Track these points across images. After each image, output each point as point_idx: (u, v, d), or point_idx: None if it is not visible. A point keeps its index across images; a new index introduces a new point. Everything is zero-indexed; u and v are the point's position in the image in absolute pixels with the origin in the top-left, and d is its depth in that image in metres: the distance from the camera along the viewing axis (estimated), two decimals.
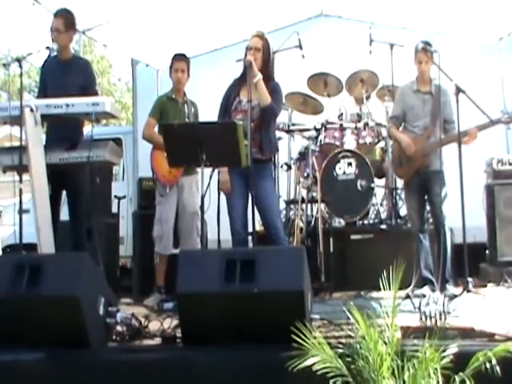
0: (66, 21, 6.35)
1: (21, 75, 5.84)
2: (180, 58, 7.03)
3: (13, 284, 4.43)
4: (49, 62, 6.55)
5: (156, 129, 7.01)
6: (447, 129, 6.73)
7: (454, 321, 4.57)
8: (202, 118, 7.12)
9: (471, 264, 6.26)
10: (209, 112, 6.92)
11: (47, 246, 5.54)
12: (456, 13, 8.99)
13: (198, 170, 6.50)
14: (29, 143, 5.52)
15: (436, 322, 4.42)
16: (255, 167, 5.83)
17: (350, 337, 4.05)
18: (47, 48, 5.96)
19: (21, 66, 5.72)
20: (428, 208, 6.88)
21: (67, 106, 5.69)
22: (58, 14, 6.40)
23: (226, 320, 4.33)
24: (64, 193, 6.40)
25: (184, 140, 5.48)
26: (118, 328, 4.75)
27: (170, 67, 7.06)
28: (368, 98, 8.52)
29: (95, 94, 6.36)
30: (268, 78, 6.15)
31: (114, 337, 4.72)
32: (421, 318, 4.51)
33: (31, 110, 5.55)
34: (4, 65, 6.14)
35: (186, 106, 7.05)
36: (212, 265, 4.37)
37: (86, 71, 6.54)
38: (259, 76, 5.93)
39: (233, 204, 6.16)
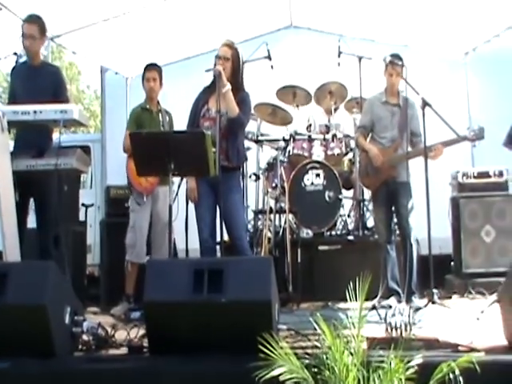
0: (39, 27, 6.33)
1: None
2: (151, 67, 7.03)
3: None
4: (18, 68, 6.49)
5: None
6: (414, 141, 6.80)
7: (419, 332, 4.60)
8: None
9: (437, 275, 6.30)
10: (180, 121, 6.93)
11: (13, 253, 5.47)
12: (423, 27, 9.10)
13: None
14: None
15: (401, 332, 4.45)
16: (223, 176, 5.83)
17: (316, 347, 4.06)
18: (15, 54, 5.93)
19: None
20: (395, 219, 6.93)
21: (35, 112, 5.64)
22: (32, 20, 6.34)
23: (193, 330, 4.31)
24: (31, 200, 6.35)
25: (152, 149, 5.46)
26: (84, 337, 4.71)
27: (143, 77, 7.05)
28: (336, 109, 8.57)
29: (66, 100, 6.31)
30: (237, 87, 6.17)
31: (80, 346, 4.68)
32: (386, 329, 4.53)
33: None
34: None
35: (160, 115, 7.04)
36: (180, 274, 4.35)
37: (57, 77, 6.51)
38: (228, 86, 5.94)
39: (200, 213, 6.15)
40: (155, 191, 6.89)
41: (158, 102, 7.14)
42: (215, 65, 6.09)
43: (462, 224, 7.69)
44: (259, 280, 4.29)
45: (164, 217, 6.77)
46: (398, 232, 6.99)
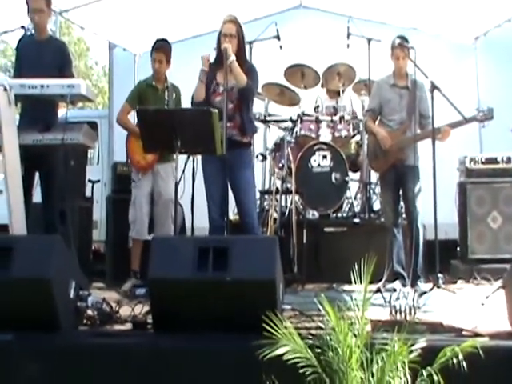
0: (47, 1, 6.30)
1: None
2: (158, 47, 6.95)
3: None
4: (24, 42, 6.46)
5: (132, 116, 6.99)
6: (423, 124, 6.77)
7: (424, 316, 4.61)
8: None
9: (442, 260, 6.30)
10: (186, 99, 6.91)
11: (19, 227, 5.47)
12: (433, 10, 9.04)
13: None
14: (1, 123, 5.43)
15: (406, 316, 4.45)
16: (235, 152, 5.87)
17: (320, 328, 4.06)
18: (22, 27, 5.90)
19: None
20: (402, 203, 6.91)
21: (42, 86, 5.62)
22: None
23: (197, 307, 4.31)
24: (37, 174, 6.34)
25: (159, 126, 5.47)
26: (89, 312, 4.72)
27: (151, 54, 7.00)
28: (344, 91, 8.54)
29: (71, 75, 6.29)
30: (243, 60, 6.16)
31: (84, 321, 4.70)
32: (391, 312, 4.54)
33: (4, 90, 5.46)
34: None
35: (166, 92, 6.98)
36: (185, 252, 4.35)
37: (63, 52, 6.48)
38: (233, 57, 5.90)
39: (210, 191, 6.13)
40: (155, 168, 6.87)
41: (166, 78, 7.08)
42: (219, 42, 6.06)
43: (468, 209, 7.68)
44: (264, 259, 4.28)
45: (165, 194, 6.79)
46: (404, 215, 6.97)
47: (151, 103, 6.84)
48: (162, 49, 6.95)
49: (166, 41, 7.04)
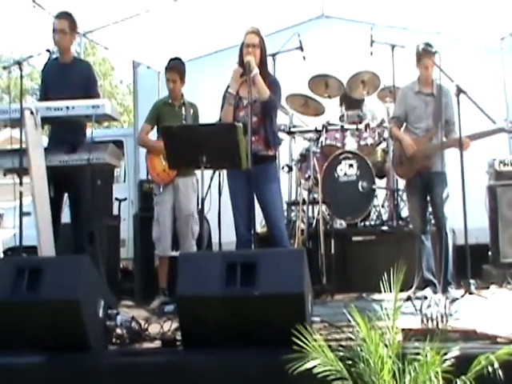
0: (70, 23, 6.40)
1: (21, 78, 5.84)
2: (172, 67, 6.98)
3: (13, 287, 4.42)
4: (50, 65, 6.57)
5: (152, 135, 7.03)
6: (448, 130, 6.70)
7: (456, 323, 4.54)
8: (203, 120, 7.08)
9: (473, 265, 6.22)
10: (210, 113, 6.92)
11: (47, 248, 5.53)
12: (457, 13, 8.96)
13: (196, 171, 6.54)
14: (29, 146, 5.52)
15: (437, 324, 4.39)
16: (261, 166, 5.86)
17: (350, 339, 4.04)
18: (47, 50, 5.97)
19: (21, 69, 5.73)
20: (430, 209, 6.85)
21: (67, 108, 5.70)
22: (62, 15, 6.43)
23: (226, 323, 4.30)
24: (66, 196, 6.39)
25: (184, 142, 5.48)
26: (118, 331, 4.73)
27: (165, 74, 7.07)
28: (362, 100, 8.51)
29: (97, 95, 6.36)
30: (266, 73, 6.15)
31: (113, 340, 4.71)
32: (422, 321, 4.48)
33: (31, 113, 5.55)
34: (4, 67, 6.14)
35: (183, 108, 7.00)
36: (212, 267, 4.35)
37: (88, 73, 6.56)
38: (256, 70, 5.90)
39: (237, 205, 6.11)
40: (175, 182, 6.88)
41: (182, 95, 7.10)
42: (242, 54, 6.07)
43: (499, 213, 7.58)
44: (292, 272, 4.27)
45: (185, 209, 6.82)
46: (433, 222, 6.91)
47: (169, 120, 6.83)
48: (175, 68, 6.98)
49: (180, 59, 7.07)
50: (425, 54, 6.60)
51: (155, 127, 7.01)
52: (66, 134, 6.18)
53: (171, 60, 7.03)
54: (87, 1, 7.61)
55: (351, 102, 8.64)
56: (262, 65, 6.11)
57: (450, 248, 6.52)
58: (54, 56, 6.37)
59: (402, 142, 6.77)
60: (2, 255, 9.80)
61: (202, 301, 4.31)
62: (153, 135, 7.11)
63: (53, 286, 4.37)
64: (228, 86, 6.20)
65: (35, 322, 4.39)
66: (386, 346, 3.57)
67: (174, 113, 6.98)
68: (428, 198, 6.76)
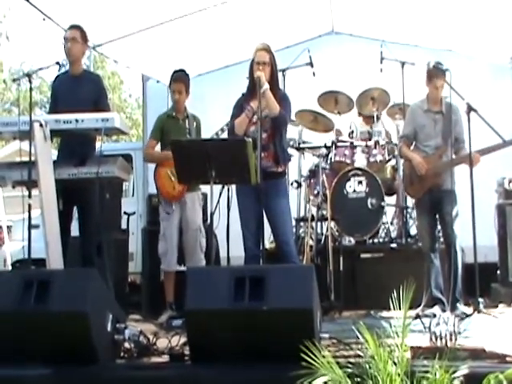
0: (81, 33, 6.45)
1: (30, 90, 5.86)
2: (177, 78, 6.99)
3: (21, 299, 4.42)
4: (60, 78, 6.61)
5: (157, 148, 7.03)
6: (456, 148, 6.69)
7: (465, 341, 4.51)
8: (211, 134, 7.10)
9: (482, 284, 6.20)
10: (217, 126, 6.95)
11: (56, 261, 5.52)
12: (467, 31, 8.96)
13: (201, 186, 6.55)
14: (38, 158, 5.52)
15: (446, 342, 4.37)
16: (270, 182, 5.87)
17: (359, 356, 4.01)
18: (57, 63, 5.98)
19: (30, 81, 5.74)
20: (439, 227, 6.83)
21: (76, 121, 5.71)
22: (73, 26, 6.48)
23: (234, 337, 4.29)
24: (75, 208, 6.39)
25: (193, 157, 5.49)
26: (126, 345, 4.72)
27: (169, 86, 7.07)
28: (378, 116, 8.49)
29: (107, 108, 6.39)
30: (276, 89, 6.16)
31: (121, 353, 4.70)
32: (431, 339, 4.46)
33: (40, 125, 5.56)
34: (14, 80, 6.16)
35: (187, 121, 7.00)
36: (221, 282, 4.35)
37: (98, 85, 6.58)
38: (266, 85, 5.91)
39: (246, 220, 6.11)
40: (182, 198, 6.88)
41: (185, 108, 7.10)
42: (252, 70, 6.08)
43: (508, 231, 7.56)
44: (301, 288, 4.26)
45: (193, 223, 6.83)
46: (441, 240, 6.89)
47: (173, 133, 6.83)
48: (180, 79, 6.99)
49: (184, 71, 7.08)
50: (436, 74, 6.59)
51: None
52: (75, 146, 6.20)
53: (175, 72, 7.04)
54: (97, 14, 7.64)
55: (368, 117, 8.64)
56: (273, 80, 6.12)
57: (459, 266, 6.50)
58: (64, 69, 6.39)
59: (412, 161, 6.75)
60: (10, 267, 9.83)
61: (211, 315, 4.31)
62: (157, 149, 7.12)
63: (61, 299, 4.37)
64: (242, 95, 6.22)
65: (43, 334, 4.39)
66: (395, 363, 3.55)
67: (178, 126, 6.99)
68: (437, 215, 6.75)
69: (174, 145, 5.74)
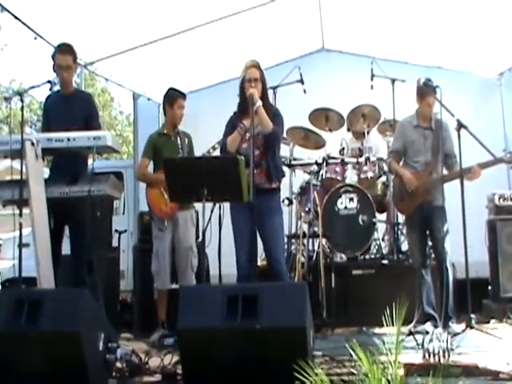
0: (73, 57, 6.44)
1: (22, 109, 5.84)
2: (183, 94, 7.05)
3: (12, 319, 4.40)
4: (52, 96, 6.58)
5: (150, 167, 7.03)
6: (449, 163, 6.71)
7: (458, 358, 4.52)
8: (202, 151, 7.10)
9: (474, 300, 6.19)
10: (210, 145, 6.94)
11: (47, 280, 5.49)
12: (457, 47, 9.03)
13: (196, 204, 6.55)
14: (29, 177, 5.49)
15: (439, 359, 4.37)
16: (263, 199, 5.86)
17: (352, 374, 4.00)
18: (48, 82, 5.96)
19: (22, 100, 5.72)
20: (430, 243, 6.84)
21: (68, 140, 5.69)
22: (66, 50, 6.42)
23: (227, 356, 4.28)
24: (66, 227, 6.37)
25: (185, 175, 5.47)
26: (118, 364, 4.70)
27: (171, 102, 7.04)
28: (369, 132, 8.51)
29: (98, 126, 6.37)
30: (268, 105, 6.19)
31: (113, 373, 4.68)
32: (424, 355, 4.46)
33: (32, 144, 5.53)
34: (6, 98, 6.15)
35: (178, 138, 7.03)
36: (213, 300, 4.34)
37: (89, 104, 6.57)
38: (259, 103, 5.92)
39: (239, 238, 6.08)
40: (174, 216, 6.87)
41: (175, 126, 7.13)
42: (243, 88, 6.10)
43: (499, 247, 7.59)
44: (294, 306, 4.26)
45: (185, 241, 6.82)
46: (433, 256, 6.89)
47: (166, 151, 6.87)
48: (184, 96, 7.04)
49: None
50: (427, 92, 6.62)
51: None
52: (67, 165, 6.18)
53: (174, 90, 7.08)
54: (88, 32, 7.65)
55: (359, 132, 8.66)
56: (264, 97, 6.14)
57: (451, 282, 6.50)
58: (56, 87, 6.37)
59: (402, 178, 6.76)
60: (0, 286, 9.79)
61: (203, 334, 4.29)
62: (149, 168, 7.12)
63: (52, 319, 4.35)
64: (234, 113, 6.23)
65: (34, 354, 4.36)
66: (389, 381, 3.53)
67: (171, 143, 7.00)
68: (428, 232, 6.75)
69: (167, 163, 5.73)
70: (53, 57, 6.41)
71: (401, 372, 3.80)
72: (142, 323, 7.40)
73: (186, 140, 7.08)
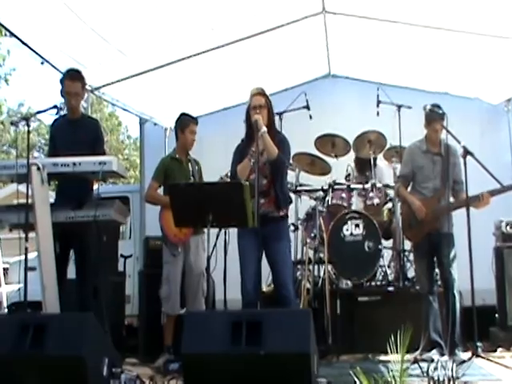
0: (82, 83, 6.48)
1: (27, 133, 5.86)
2: (195, 119, 7.10)
3: (17, 343, 4.42)
4: (58, 121, 6.62)
5: (160, 191, 7.04)
6: (456, 190, 6.70)
7: None
8: (209, 177, 7.10)
9: (480, 328, 6.15)
10: (217, 170, 6.95)
11: (52, 304, 5.48)
12: (463, 73, 9.03)
13: (205, 229, 6.54)
14: (35, 201, 5.50)
15: None
16: (272, 227, 5.89)
17: None
18: (55, 107, 5.99)
19: (28, 125, 5.74)
20: (437, 270, 6.81)
21: (74, 164, 5.69)
22: (75, 77, 6.46)
23: (231, 382, 4.27)
24: (71, 251, 6.38)
25: (190, 200, 5.45)
26: None
27: (183, 127, 7.06)
28: (375, 159, 8.51)
29: (103, 153, 6.39)
30: (274, 132, 6.19)
31: None
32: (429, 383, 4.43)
33: (38, 169, 5.55)
34: (12, 123, 6.16)
35: (190, 164, 7.06)
36: (218, 326, 4.34)
37: (96, 131, 6.60)
38: (264, 129, 5.89)
39: (245, 264, 6.04)
40: (187, 242, 6.87)
41: (187, 152, 7.16)
42: (249, 116, 6.12)
43: (506, 275, 7.55)
44: (298, 333, 4.25)
45: (196, 267, 6.79)
46: (439, 283, 6.86)
47: (177, 176, 6.91)
48: (196, 121, 7.08)
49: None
50: (434, 118, 6.63)
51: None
52: (72, 189, 6.19)
53: (186, 115, 7.13)
54: (95, 57, 7.69)
55: (364, 163, 8.65)
56: (270, 123, 6.13)
57: (458, 309, 6.46)
58: (62, 112, 6.40)
59: (411, 206, 6.74)
60: (6, 310, 9.78)
61: (208, 359, 4.29)
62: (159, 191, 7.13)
63: (57, 343, 4.37)
64: (242, 140, 6.23)
65: (39, 378, 4.37)
66: None
67: (182, 168, 7.03)
68: (435, 258, 6.72)
69: (172, 189, 5.74)
70: (61, 81, 6.46)
71: None
72: (148, 348, 7.40)
73: (197, 167, 7.13)
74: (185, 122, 7.08)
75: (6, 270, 11.43)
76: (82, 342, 4.37)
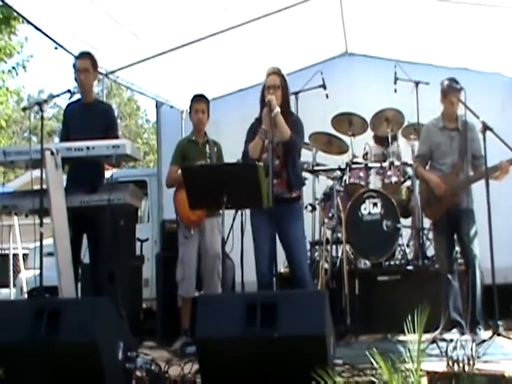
0: (92, 62, 6.46)
1: (41, 119, 5.84)
2: (200, 98, 7.04)
3: (32, 329, 4.41)
4: (72, 106, 6.61)
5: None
6: (476, 164, 6.61)
7: (484, 366, 4.41)
8: (227, 159, 7.05)
9: (502, 306, 6.05)
10: (233, 152, 6.90)
11: (68, 289, 5.48)
12: (483, 48, 8.89)
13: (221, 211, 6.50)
14: (50, 186, 5.49)
15: (464, 367, 4.27)
16: (284, 208, 5.83)
17: (373, 383, 3.93)
18: (68, 91, 5.96)
19: (42, 110, 5.70)
20: (457, 248, 6.73)
21: (88, 148, 5.67)
22: (83, 55, 6.50)
23: (246, 365, 4.25)
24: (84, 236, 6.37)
25: (204, 182, 5.43)
26: (138, 373, 4.68)
27: (190, 108, 7.07)
28: (394, 136, 8.42)
29: (116, 137, 6.35)
30: (288, 113, 6.12)
31: (133, 382, 4.67)
32: (448, 363, 4.35)
33: (52, 154, 5.53)
34: (24, 109, 6.14)
35: (207, 146, 7.01)
36: (232, 309, 4.33)
37: (109, 115, 6.58)
38: (277, 109, 5.84)
39: (259, 245, 6.01)
40: (201, 224, 6.83)
41: (205, 134, 7.11)
42: (263, 95, 6.04)
43: None
44: (313, 314, 4.23)
45: (211, 249, 6.75)
46: (459, 261, 6.78)
47: (194, 158, 6.85)
48: (203, 100, 7.04)
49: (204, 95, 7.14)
50: (450, 91, 6.54)
51: None
52: (85, 174, 6.17)
53: (194, 96, 7.06)
54: (109, 41, 7.66)
55: (383, 139, 8.57)
56: (284, 104, 6.07)
57: (479, 286, 6.38)
58: (75, 96, 6.38)
59: (429, 183, 6.66)
60: (26, 295, 9.84)
61: (222, 342, 4.27)
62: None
63: (71, 328, 4.36)
64: (256, 120, 6.18)
65: (53, 363, 4.38)
66: None
67: (199, 150, 6.98)
68: (455, 235, 6.64)
69: (185, 171, 5.71)
70: (74, 66, 6.45)
71: (424, 381, 3.72)
72: (166, 331, 7.40)
73: (215, 148, 7.06)
74: (191, 103, 7.06)
75: (25, 255, 11.51)
76: (96, 327, 4.37)
